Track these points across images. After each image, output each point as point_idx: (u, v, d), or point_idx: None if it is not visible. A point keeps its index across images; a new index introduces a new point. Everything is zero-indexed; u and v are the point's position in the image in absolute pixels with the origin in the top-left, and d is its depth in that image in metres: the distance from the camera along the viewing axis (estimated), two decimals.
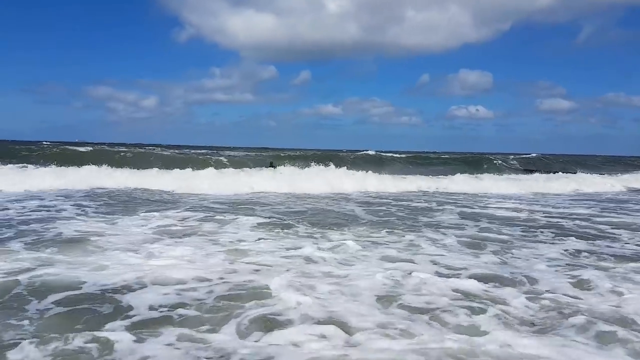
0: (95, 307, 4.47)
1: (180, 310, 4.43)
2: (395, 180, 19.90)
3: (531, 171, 34.71)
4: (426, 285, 5.33)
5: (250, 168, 23.41)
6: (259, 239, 7.89)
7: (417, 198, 15.78)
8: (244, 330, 4.03)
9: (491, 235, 8.81)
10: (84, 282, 5.18)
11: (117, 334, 3.85)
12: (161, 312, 4.40)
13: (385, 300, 4.83)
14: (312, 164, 22.58)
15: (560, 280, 5.69)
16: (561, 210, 13.07)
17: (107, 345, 3.62)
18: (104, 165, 20.18)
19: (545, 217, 11.55)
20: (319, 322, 4.16)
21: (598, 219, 11.15)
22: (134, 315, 4.30)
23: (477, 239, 8.36)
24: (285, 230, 8.75)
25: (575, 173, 28.53)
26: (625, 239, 8.55)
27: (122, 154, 28.48)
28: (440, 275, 5.83)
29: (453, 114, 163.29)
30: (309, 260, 6.49)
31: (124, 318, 4.23)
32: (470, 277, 5.75)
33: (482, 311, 4.52)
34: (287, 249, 7.12)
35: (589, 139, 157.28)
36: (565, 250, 7.46)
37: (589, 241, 8.29)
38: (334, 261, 6.45)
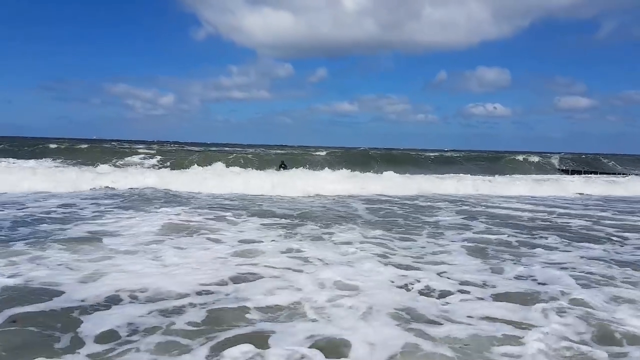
0: (48, 332, 3.77)
1: (148, 339, 3.68)
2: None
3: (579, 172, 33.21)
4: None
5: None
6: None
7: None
8: None
9: None
10: (60, 294, 4.59)
11: None
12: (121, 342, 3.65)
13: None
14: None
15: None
16: None
17: None
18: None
19: None
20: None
21: None
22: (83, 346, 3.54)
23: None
24: None
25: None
26: None
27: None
28: None
29: (470, 111, 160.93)
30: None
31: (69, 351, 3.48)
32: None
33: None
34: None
35: (608, 137, 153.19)
36: None
37: None
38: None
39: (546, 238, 8.30)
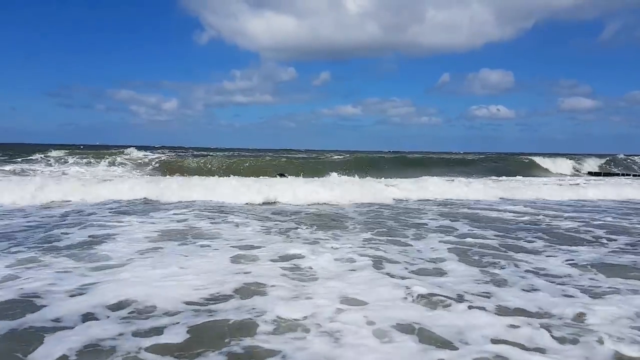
0: None
1: None
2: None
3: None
4: None
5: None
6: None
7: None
8: None
9: None
10: (40, 308, 4.14)
11: None
12: None
13: None
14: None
15: None
16: None
17: None
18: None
19: None
20: None
21: None
22: None
23: None
24: None
25: None
26: None
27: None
28: None
29: (474, 113, 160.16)
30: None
31: None
32: None
33: None
34: None
35: (612, 138, 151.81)
36: None
37: None
38: None
39: None
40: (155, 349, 3.42)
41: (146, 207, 11.39)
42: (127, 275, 5.24)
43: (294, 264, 5.86)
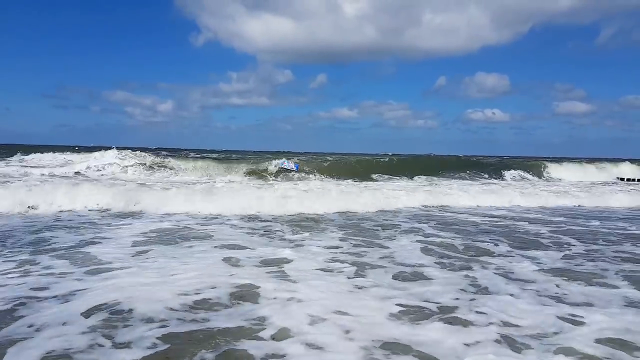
0: None
1: None
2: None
3: None
4: None
5: None
6: None
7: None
8: None
9: None
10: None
11: None
12: None
13: None
14: None
15: None
16: None
17: None
18: None
19: None
20: None
21: None
22: None
23: None
24: None
25: None
26: None
27: None
28: None
29: (469, 117, 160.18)
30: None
31: None
32: None
33: None
34: None
35: (606, 142, 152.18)
36: None
37: None
38: None
39: None
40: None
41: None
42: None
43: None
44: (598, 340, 3.52)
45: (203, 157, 28.40)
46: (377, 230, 8.53)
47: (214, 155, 34.93)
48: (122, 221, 8.90)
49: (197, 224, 8.74)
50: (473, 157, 40.63)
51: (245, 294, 4.47)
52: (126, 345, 3.31)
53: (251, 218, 9.81)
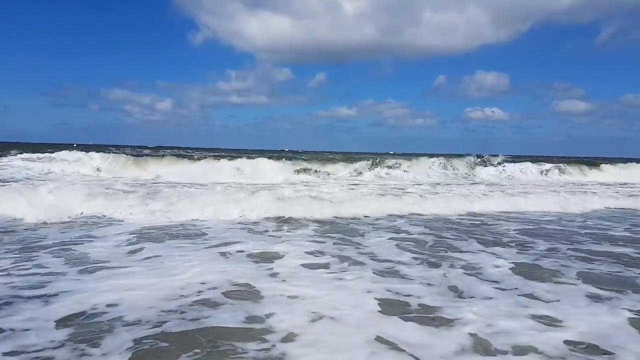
0: None
1: None
2: None
3: None
4: None
5: None
6: None
7: None
8: None
9: None
10: None
11: None
12: None
13: None
14: None
15: None
16: None
17: None
18: None
19: None
20: None
21: None
22: None
23: None
24: None
25: None
26: None
27: None
28: None
29: (468, 115, 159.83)
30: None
31: None
32: None
33: None
34: None
35: (606, 141, 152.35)
36: None
37: None
38: None
39: None
40: None
41: None
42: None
43: None
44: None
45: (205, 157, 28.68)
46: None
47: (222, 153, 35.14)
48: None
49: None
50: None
51: None
52: (116, 347, 3.38)
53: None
